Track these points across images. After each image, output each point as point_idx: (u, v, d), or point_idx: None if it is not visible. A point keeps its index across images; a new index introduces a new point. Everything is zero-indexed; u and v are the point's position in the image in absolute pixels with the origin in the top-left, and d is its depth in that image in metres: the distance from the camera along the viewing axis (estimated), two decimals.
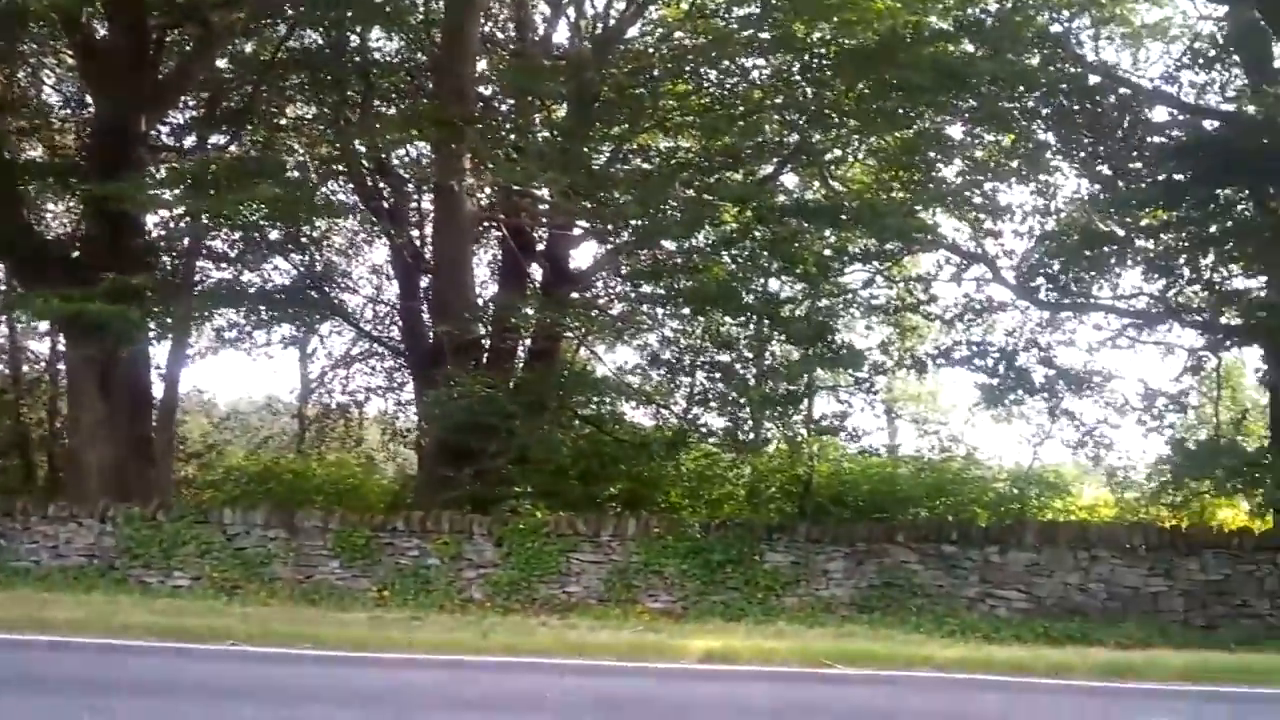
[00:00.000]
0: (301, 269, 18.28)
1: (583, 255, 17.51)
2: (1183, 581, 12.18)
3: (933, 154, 15.43)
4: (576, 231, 16.27)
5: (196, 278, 17.45)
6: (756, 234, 15.01)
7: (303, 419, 21.28)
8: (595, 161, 15.57)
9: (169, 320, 15.64)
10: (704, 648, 9.60)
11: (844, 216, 14.59)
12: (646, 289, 16.05)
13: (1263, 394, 16.08)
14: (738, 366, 15.66)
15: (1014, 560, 12.60)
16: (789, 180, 17.01)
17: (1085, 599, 12.32)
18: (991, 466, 17.07)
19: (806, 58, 15.03)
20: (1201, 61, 14.99)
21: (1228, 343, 14.93)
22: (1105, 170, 14.94)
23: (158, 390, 17.09)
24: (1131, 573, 12.33)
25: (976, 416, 16.88)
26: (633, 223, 15.15)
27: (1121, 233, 14.32)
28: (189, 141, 17.91)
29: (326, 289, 18.35)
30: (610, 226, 15.74)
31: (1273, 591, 11.93)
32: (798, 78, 15.38)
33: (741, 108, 15.67)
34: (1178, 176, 13.64)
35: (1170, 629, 11.64)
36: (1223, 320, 14.61)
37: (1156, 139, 14.57)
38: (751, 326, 15.55)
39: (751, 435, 15.65)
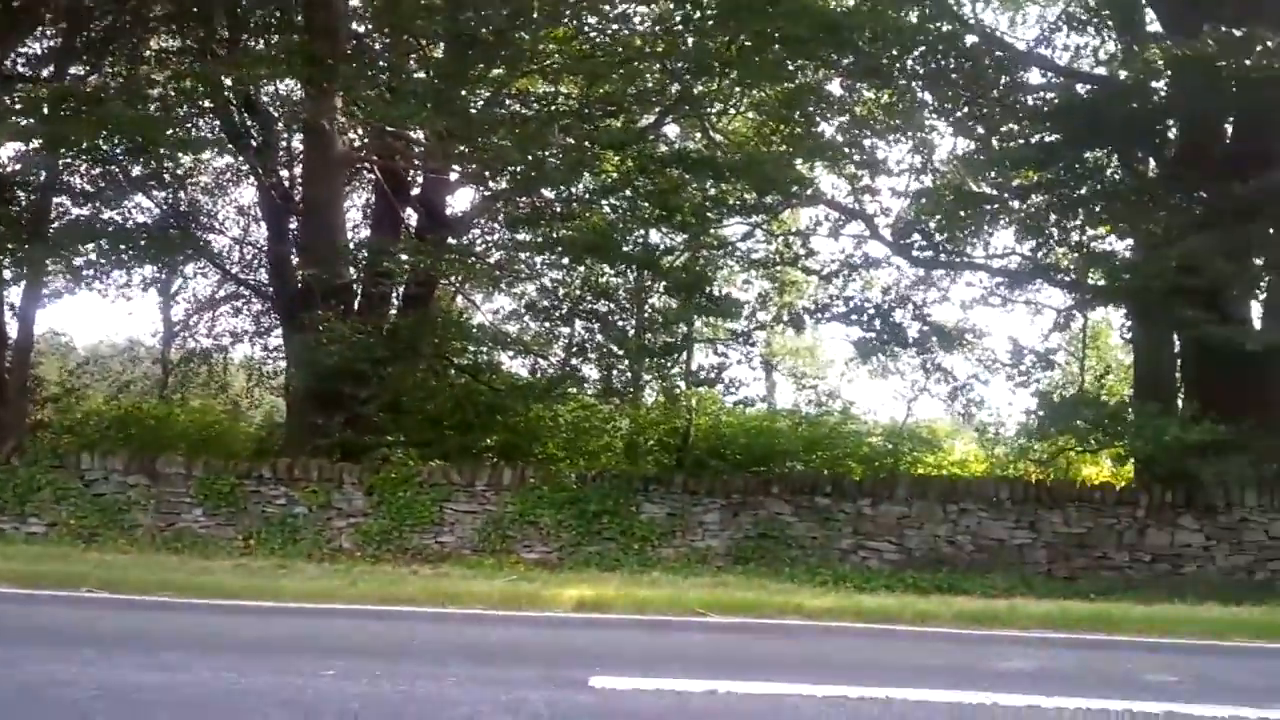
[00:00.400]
0: (164, 207, 17.56)
1: (460, 200, 17.16)
2: (1046, 534, 12.49)
3: (813, 108, 15.40)
4: (453, 176, 15.88)
5: (53, 215, 16.62)
6: (637, 184, 14.84)
7: (166, 363, 20.51)
8: (473, 105, 15.17)
9: (23, 258, 14.83)
10: (577, 597, 9.50)
11: (724, 168, 14.51)
12: (524, 236, 15.77)
13: (1127, 353, 16.58)
14: (616, 317, 15.52)
15: (886, 513, 12.78)
16: (671, 130, 16.87)
17: (953, 550, 12.56)
18: (867, 421, 17.34)
19: (688, 6, 14.83)
20: (1075, 25, 15.27)
21: (1094, 303, 15.31)
22: (981, 130, 15.13)
23: (11, 330, 16.29)
24: (998, 525, 12.60)
25: (853, 372, 17.09)
26: (510, 169, 14.81)
27: (994, 193, 14.52)
28: (46, 72, 16.93)
29: (191, 229, 17.64)
30: (488, 172, 15.40)
31: (1131, 544, 12.31)
32: (680, 26, 15.18)
33: (623, 55, 15.40)
34: (1050, 138, 13.88)
35: (1034, 579, 11.94)
36: (1090, 281, 14.96)
37: (1031, 101, 14.78)
38: (631, 277, 15.42)
39: (630, 387, 15.58)
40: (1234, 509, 12.18)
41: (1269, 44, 11.53)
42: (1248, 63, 11.61)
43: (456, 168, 15.61)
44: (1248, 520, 12.16)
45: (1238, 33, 11.68)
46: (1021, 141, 14.24)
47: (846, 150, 15.54)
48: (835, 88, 15.60)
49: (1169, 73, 12.61)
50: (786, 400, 21.45)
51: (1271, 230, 13.13)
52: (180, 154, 16.76)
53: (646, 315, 15.66)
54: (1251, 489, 12.14)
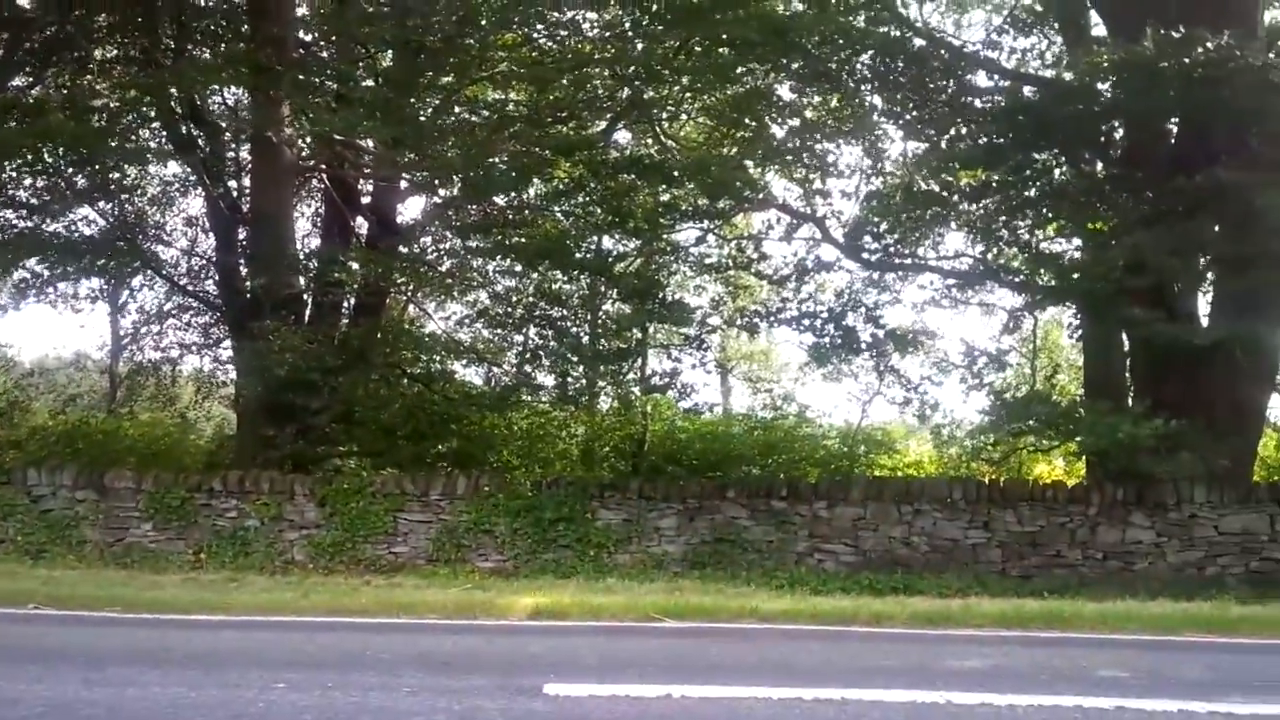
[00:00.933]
0: (111, 219, 17.28)
1: (411, 208, 17.04)
2: (1000, 533, 12.56)
3: (763, 112, 15.44)
4: (403, 184, 15.76)
5: None
6: (589, 190, 14.81)
7: (114, 376, 20.20)
8: (422, 113, 15.06)
9: None
10: (532, 604, 9.44)
11: (676, 173, 14.51)
12: (476, 244, 15.67)
13: (1078, 352, 16.73)
14: (570, 324, 15.47)
15: (841, 515, 12.81)
16: (622, 136, 16.88)
17: (908, 551, 12.61)
18: (822, 425, 17.32)
19: (637, 12, 14.83)
20: (1021, 27, 15.44)
21: (1044, 303, 15.45)
22: (930, 133, 15.24)
23: None
24: (952, 525, 12.66)
25: (807, 375, 17.12)
26: (460, 176, 14.71)
27: (944, 194, 14.61)
28: None
29: (138, 240, 17.37)
30: (438, 180, 15.29)
31: (1083, 542, 12.40)
32: (629, 32, 15.17)
33: (572, 61, 15.36)
34: (998, 140, 13.99)
35: (988, 578, 12.01)
36: (1040, 281, 15.09)
37: (979, 103, 14.90)
38: (584, 283, 15.37)
39: (584, 393, 15.53)
40: (1184, 506, 12.31)
41: (1208, 45, 11.71)
42: (1188, 63, 11.78)
43: (406, 176, 15.49)
44: (1197, 516, 12.28)
45: (1178, 34, 11.86)
46: (970, 143, 14.35)
47: (798, 154, 15.59)
48: (785, 92, 15.68)
49: (1113, 75, 12.76)
50: (742, 405, 21.53)
51: (1216, 227, 13.33)
52: (126, 165, 16.52)
53: (600, 321, 15.60)
54: (1201, 486, 12.28)
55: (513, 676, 6.35)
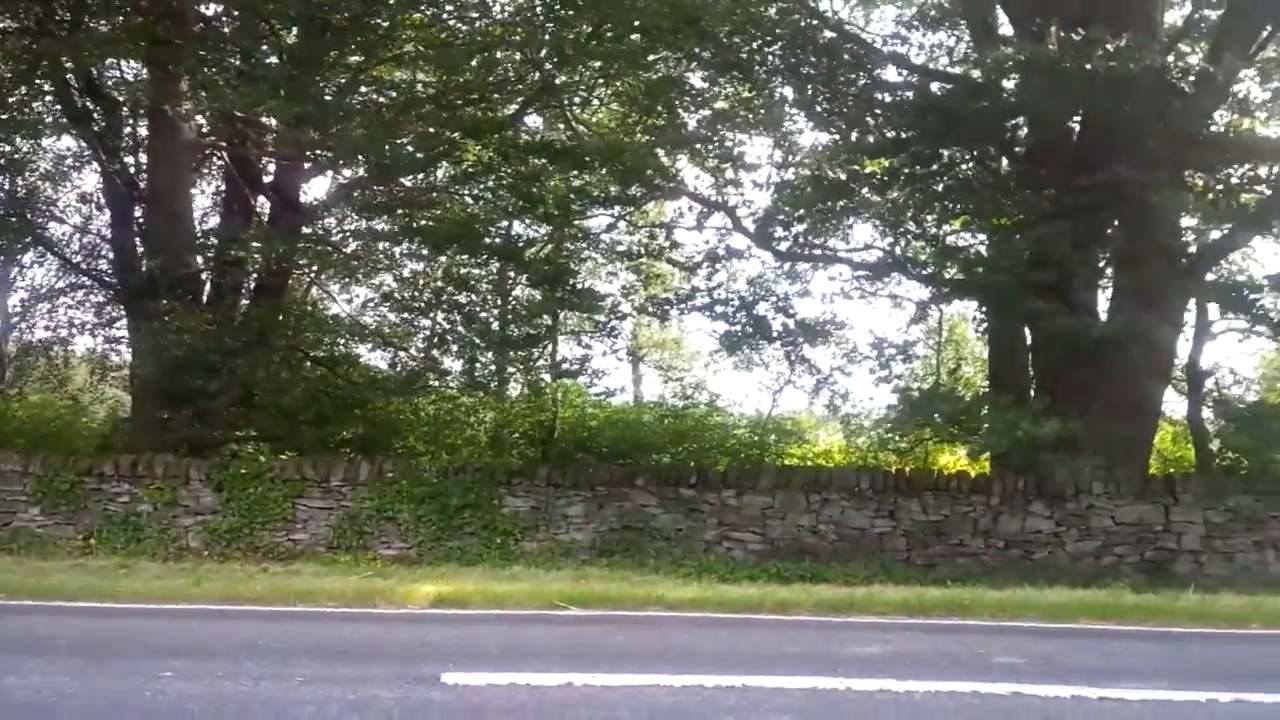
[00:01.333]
0: (1, 193, 16.57)
1: (315, 188, 16.65)
2: (905, 522, 12.67)
3: (676, 100, 15.38)
4: (307, 164, 15.39)
5: None
6: (499, 174, 14.61)
7: (2, 357, 19.43)
8: (327, 92, 14.71)
9: None
10: (434, 593, 9.30)
11: (587, 158, 14.39)
12: (382, 225, 15.36)
13: (984, 345, 16.99)
14: (478, 309, 15.26)
15: (750, 503, 12.81)
16: (534, 120, 16.66)
17: (816, 540, 12.66)
18: (733, 413, 17.37)
19: None
20: (929, 23, 15.61)
21: (950, 296, 15.64)
22: (840, 125, 15.33)
23: None
24: (859, 514, 12.74)
25: (719, 364, 17.14)
26: (365, 156, 14.40)
27: (852, 185, 14.70)
28: None
29: (29, 216, 16.71)
30: (342, 160, 14.95)
31: (986, 531, 12.57)
32: (540, 16, 14.98)
33: (481, 43, 15.11)
34: (906, 134, 14.12)
35: (893, 567, 12.12)
36: (947, 275, 15.27)
37: (888, 98, 15.03)
38: (493, 268, 15.17)
39: (493, 379, 15.35)
40: (1082, 497, 12.52)
41: (1109, 47, 11.94)
42: (1089, 63, 12.00)
43: (310, 155, 15.12)
44: (1095, 507, 12.49)
45: (1079, 35, 12.07)
46: (878, 136, 14.46)
47: (709, 143, 15.57)
48: (697, 80, 15.63)
49: (1018, 73, 12.96)
50: (653, 393, 21.50)
51: (1115, 223, 13.62)
52: (17, 137, 15.89)
53: (510, 307, 15.43)
54: (1099, 476, 12.52)
55: (411, 665, 6.24)
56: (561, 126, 16.28)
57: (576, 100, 16.09)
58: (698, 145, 15.47)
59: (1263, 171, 14.36)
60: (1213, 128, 14.26)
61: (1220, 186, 14.57)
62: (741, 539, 12.73)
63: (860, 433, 17.26)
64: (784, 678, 5.94)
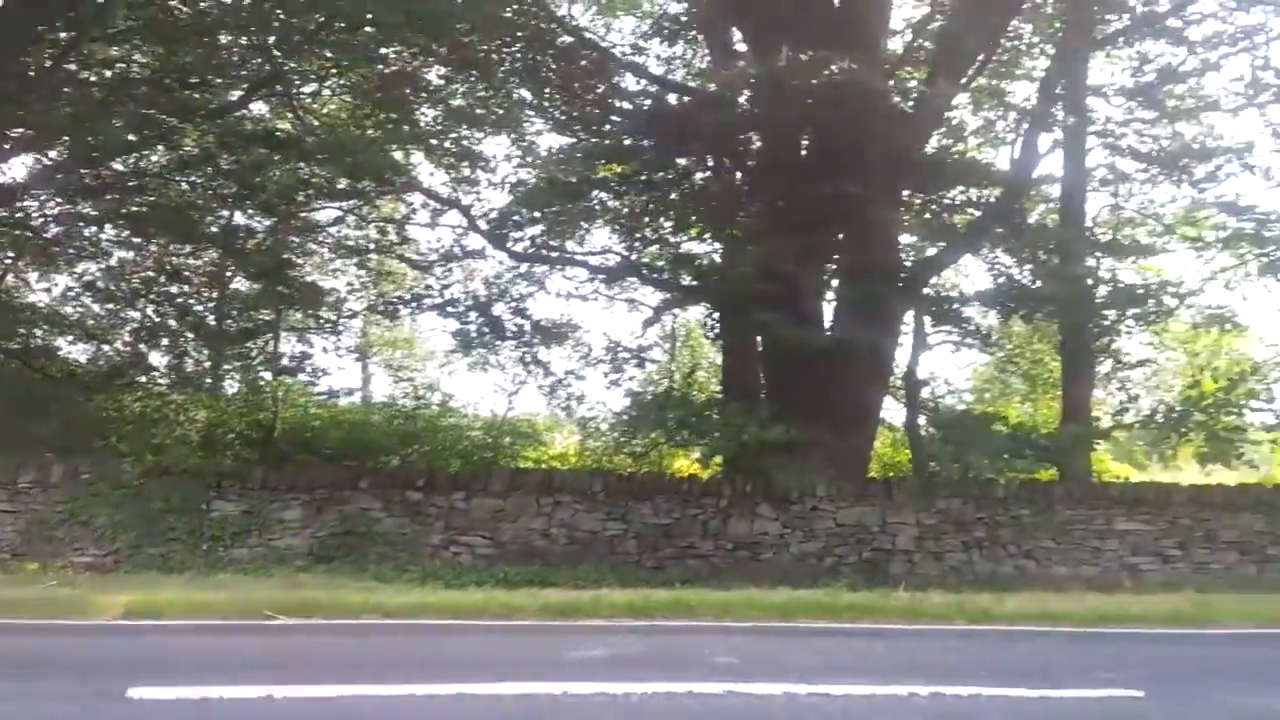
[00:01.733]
0: None
1: (14, 169, 15.19)
2: (637, 525, 12.68)
3: (410, 96, 14.92)
4: (6, 145, 14.00)
5: None
6: (219, 161, 13.74)
7: None
8: (31, 68, 13.43)
9: None
10: (126, 603, 8.58)
11: (313, 150, 13.75)
12: (86, 210, 14.15)
13: (716, 351, 17.34)
14: (192, 301, 14.30)
15: (480, 507, 12.52)
16: (259, 108, 15.77)
17: (547, 543, 12.49)
18: (467, 415, 17.04)
19: None
20: (667, 35, 15.84)
21: (683, 302, 15.89)
22: (578, 129, 15.32)
23: None
24: (590, 517, 12.65)
25: (454, 365, 16.78)
26: (70, 137, 13.23)
27: (589, 189, 14.70)
28: None
29: None
30: (45, 140, 13.68)
31: (715, 533, 12.73)
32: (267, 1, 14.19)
33: (204, 25, 14.15)
34: (643, 142, 14.24)
35: (624, 570, 12.08)
36: (683, 281, 15.48)
37: (626, 105, 15.13)
38: (210, 258, 14.25)
39: (207, 375, 14.42)
40: (806, 499, 12.87)
41: (834, 68, 12.41)
42: (815, 83, 12.44)
43: (10, 134, 13.76)
44: (818, 509, 12.84)
45: (807, 56, 12.49)
46: (615, 142, 14.52)
47: (445, 140, 15.20)
48: (434, 77, 15.23)
49: (750, 89, 13.28)
50: (384, 393, 20.85)
51: (841, 237, 14.17)
52: None
53: (226, 300, 14.53)
54: (823, 480, 12.90)
55: (95, 679, 5.80)
56: (290, 116, 15.50)
57: (306, 90, 15.35)
58: (433, 141, 15.04)
59: (973, 194, 15.33)
60: (929, 150, 15.12)
61: (934, 206, 15.44)
62: (470, 543, 12.41)
63: (596, 436, 17.27)
64: (501, 684, 5.73)
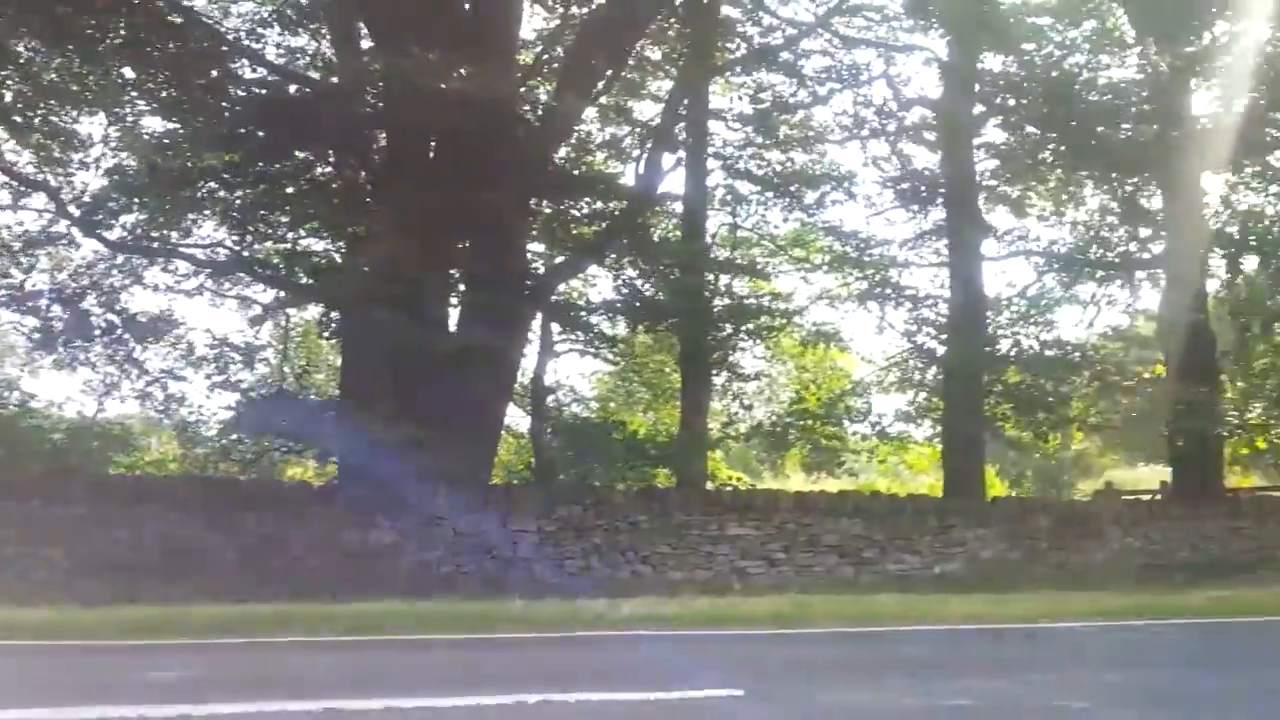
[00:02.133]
0: None
1: None
2: (240, 535, 11.92)
3: None
4: None
5: None
6: None
7: None
8: None
9: None
10: None
11: None
12: None
13: (337, 353, 16.70)
14: None
15: (60, 516, 11.38)
16: None
17: (134, 556, 11.47)
18: (50, 416, 15.45)
19: None
20: (287, 25, 15.12)
21: (299, 300, 15.21)
22: (188, 114, 14.26)
23: None
24: (187, 529, 11.77)
25: (38, 361, 15.21)
26: None
27: (195, 177, 13.73)
28: None
29: None
30: None
31: (328, 544, 12.10)
32: None
33: None
34: (260, 133, 13.48)
35: (223, 584, 11.25)
36: (299, 279, 14.80)
37: (241, 92, 14.28)
38: None
39: None
40: (424, 507, 12.54)
41: (464, 71, 12.30)
42: (444, 86, 12.26)
43: None
44: (437, 517, 12.53)
45: (434, 57, 12.29)
46: (227, 131, 13.64)
47: (32, 116, 13.71)
48: (21, 48, 13.70)
49: (375, 85, 12.89)
50: None
51: (468, 241, 14.04)
52: None
53: None
54: (443, 487, 12.63)
55: None
56: None
57: None
58: (16, 119, 13.50)
59: (600, 206, 15.70)
60: (557, 161, 15.32)
61: (563, 216, 15.66)
62: (47, 556, 11.20)
63: (200, 441, 16.18)
64: (65, 709, 5.09)
